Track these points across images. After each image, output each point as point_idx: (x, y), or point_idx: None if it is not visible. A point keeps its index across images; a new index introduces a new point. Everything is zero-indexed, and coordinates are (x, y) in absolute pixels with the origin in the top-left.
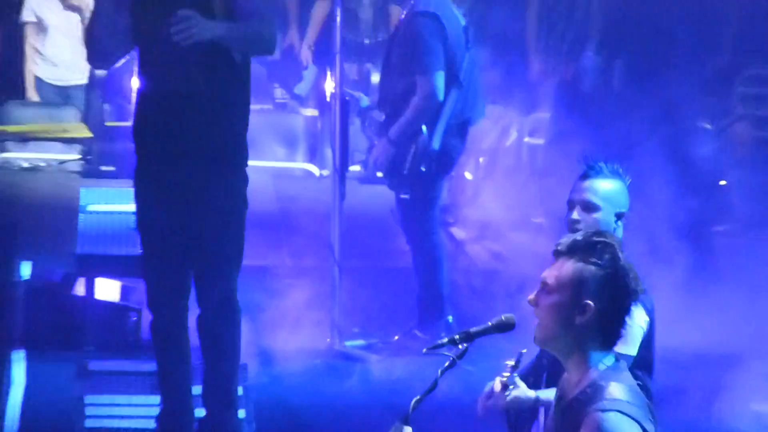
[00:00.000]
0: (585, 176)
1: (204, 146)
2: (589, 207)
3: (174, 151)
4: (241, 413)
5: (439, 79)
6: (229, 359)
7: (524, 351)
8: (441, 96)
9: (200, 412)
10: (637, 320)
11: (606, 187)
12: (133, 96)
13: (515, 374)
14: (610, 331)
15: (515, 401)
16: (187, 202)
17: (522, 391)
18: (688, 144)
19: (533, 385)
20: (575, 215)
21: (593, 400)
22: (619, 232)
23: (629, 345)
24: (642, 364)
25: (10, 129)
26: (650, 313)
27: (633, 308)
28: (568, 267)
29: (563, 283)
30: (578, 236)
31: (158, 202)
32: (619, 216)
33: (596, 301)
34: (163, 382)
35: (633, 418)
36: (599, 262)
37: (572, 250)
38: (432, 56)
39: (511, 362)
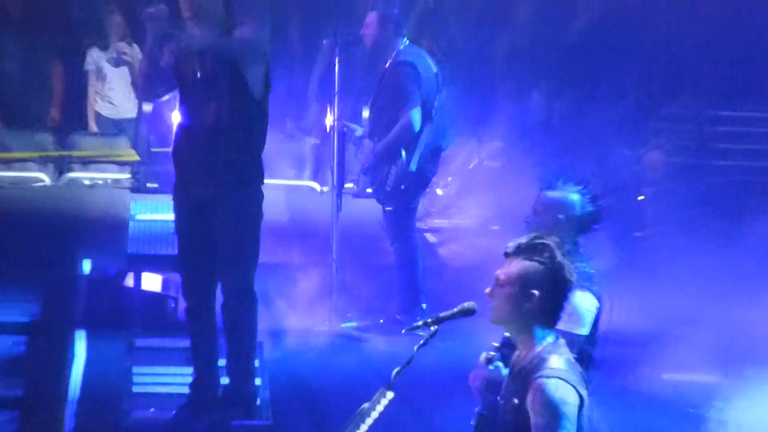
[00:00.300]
0: (546, 187)
1: (229, 168)
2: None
3: (205, 171)
4: (258, 381)
5: (416, 115)
6: (248, 338)
7: (507, 334)
8: (417, 127)
9: (224, 381)
10: (589, 305)
11: (557, 196)
12: (174, 127)
13: (498, 353)
14: (552, 314)
15: (494, 373)
16: (214, 212)
17: (500, 366)
18: (614, 166)
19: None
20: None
21: (537, 369)
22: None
23: (583, 326)
24: (590, 341)
25: (76, 154)
26: (599, 299)
27: (585, 295)
28: (516, 264)
29: (512, 278)
30: (522, 239)
31: (191, 212)
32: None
33: (540, 291)
34: (195, 355)
35: (569, 383)
36: (540, 259)
37: (518, 251)
38: (410, 96)
39: (496, 343)
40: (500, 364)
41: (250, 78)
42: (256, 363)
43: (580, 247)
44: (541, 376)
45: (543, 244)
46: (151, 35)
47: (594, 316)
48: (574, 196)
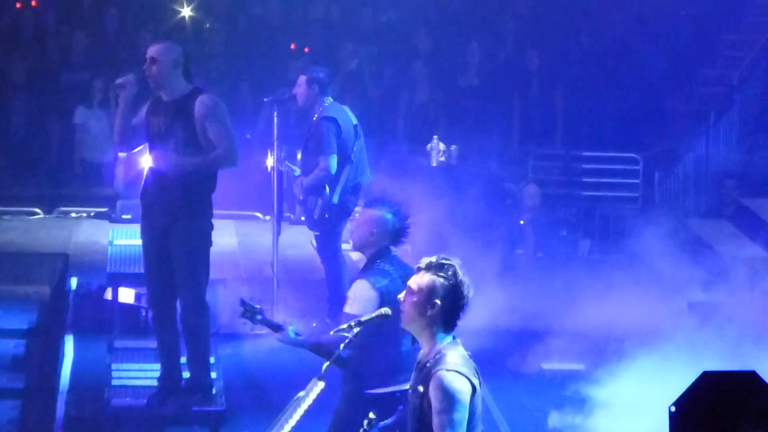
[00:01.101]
0: (367, 205)
1: (183, 204)
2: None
3: (165, 206)
4: (213, 375)
5: (332, 161)
6: (202, 339)
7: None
8: (333, 170)
9: (186, 374)
10: (368, 294)
11: (375, 214)
12: (142, 170)
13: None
14: (450, 320)
15: None
16: (172, 239)
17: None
18: (500, 197)
19: None
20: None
21: (438, 364)
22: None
23: (363, 311)
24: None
25: (64, 192)
26: (379, 291)
27: (366, 285)
28: (425, 277)
29: (421, 288)
30: (433, 258)
31: (154, 239)
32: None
33: (442, 301)
34: (161, 354)
35: (463, 375)
36: (445, 275)
37: (428, 267)
38: (327, 146)
39: (373, 415)
40: None
41: (202, 133)
42: (212, 360)
43: (392, 253)
44: (440, 369)
45: (449, 264)
46: (121, 100)
47: (373, 304)
48: (387, 215)
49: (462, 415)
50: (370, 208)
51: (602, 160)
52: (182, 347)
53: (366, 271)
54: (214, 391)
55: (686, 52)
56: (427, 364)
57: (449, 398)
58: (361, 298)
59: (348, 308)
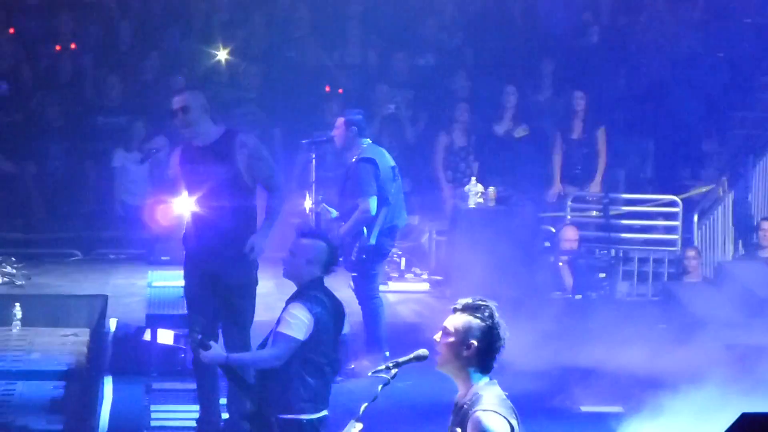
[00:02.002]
0: (301, 235)
1: (232, 253)
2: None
3: (212, 252)
4: None
5: (372, 202)
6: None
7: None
8: (373, 212)
9: (225, 416)
10: (304, 317)
11: (309, 243)
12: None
13: None
14: (487, 361)
15: None
16: (218, 281)
17: None
18: (538, 239)
19: None
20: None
21: (474, 405)
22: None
23: (299, 333)
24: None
25: (103, 235)
26: (314, 315)
27: (302, 308)
28: (461, 318)
29: (457, 329)
30: (468, 299)
31: (199, 281)
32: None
33: (478, 342)
34: (200, 395)
35: (501, 415)
36: (481, 316)
37: (464, 308)
38: (367, 187)
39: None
40: None
41: (248, 173)
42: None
43: (323, 282)
44: (477, 410)
45: (485, 305)
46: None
47: (308, 327)
48: (321, 244)
49: None
50: (304, 238)
51: (641, 203)
52: (222, 389)
53: (300, 297)
54: None
55: (724, 94)
56: (464, 406)
57: None
58: (297, 321)
59: (283, 329)
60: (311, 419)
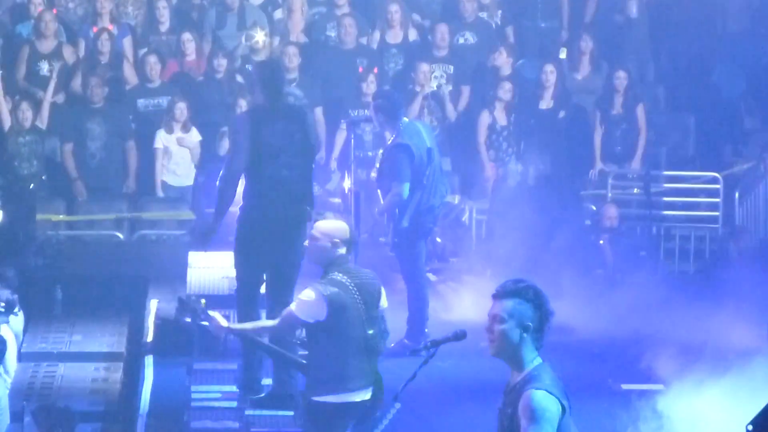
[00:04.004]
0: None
1: (292, 226)
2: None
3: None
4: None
5: (405, 187)
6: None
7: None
8: (405, 196)
9: (267, 381)
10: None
11: (509, 305)
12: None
13: None
14: (540, 340)
15: None
16: (279, 259)
17: None
18: (580, 216)
19: None
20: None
21: (527, 384)
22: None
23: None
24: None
25: (144, 215)
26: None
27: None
28: (511, 303)
29: (511, 315)
30: (510, 283)
31: (255, 256)
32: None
33: (532, 323)
34: (245, 359)
35: (553, 395)
36: (529, 297)
37: (511, 293)
38: (400, 173)
39: None
40: None
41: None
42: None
43: (347, 261)
44: (530, 388)
45: (527, 285)
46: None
47: (318, 309)
48: (342, 224)
49: None
50: (324, 221)
51: (682, 180)
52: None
53: (320, 279)
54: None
55: (766, 71)
56: (517, 386)
57: (537, 416)
58: (307, 302)
59: (294, 308)
60: (335, 402)
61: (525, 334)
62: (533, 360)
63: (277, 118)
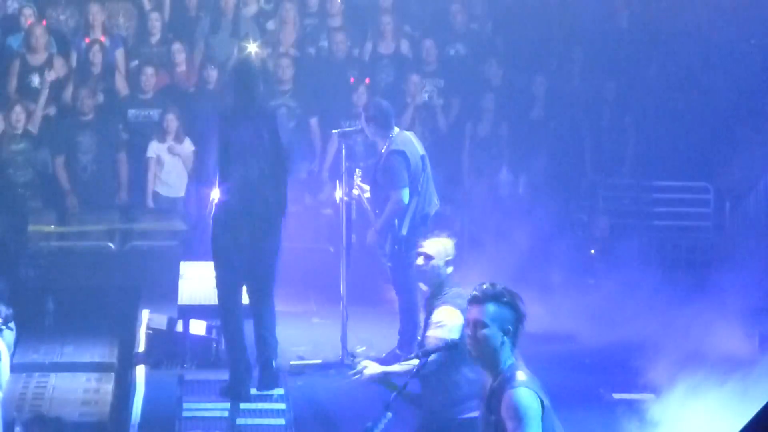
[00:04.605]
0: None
1: (265, 229)
2: (479, 325)
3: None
4: (283, 406)
5: (404, 193)
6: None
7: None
8: (406, 201)
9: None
10: (457, 319)
11: (491, 310)
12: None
13: None
14: (516, 343)
15: None
16: (263, 251)
17: None
18: (570, 228)
19: None
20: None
21: (506, 385)
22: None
23: (455, 335)
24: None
25: (136, 226)
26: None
27: (454, 311)
28: (490, 308)
29: (493, 319)
30: (487, 287)
31: (229, 248)
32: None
33: (512, 327)
34: (233, 367)
35: (533, 391)
36: (507, 301)
37: (488, 297)
38: (399, 179)
39: None
40: None
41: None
42: (281, 390)
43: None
44: (510, 388)
45: (506, 289)
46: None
47: (460, 329)
48: (448, 241)
49: (536, 430)
50: (434, 239)
51: (673, 190)
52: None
53: (442, 297)
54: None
55: (756, 80)
56: (495, 391)
57: (521, 414)
58: (451, 324)
59: (440, 333)
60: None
61: (505, 338)
62: (507, 361)
63: (247, 119)
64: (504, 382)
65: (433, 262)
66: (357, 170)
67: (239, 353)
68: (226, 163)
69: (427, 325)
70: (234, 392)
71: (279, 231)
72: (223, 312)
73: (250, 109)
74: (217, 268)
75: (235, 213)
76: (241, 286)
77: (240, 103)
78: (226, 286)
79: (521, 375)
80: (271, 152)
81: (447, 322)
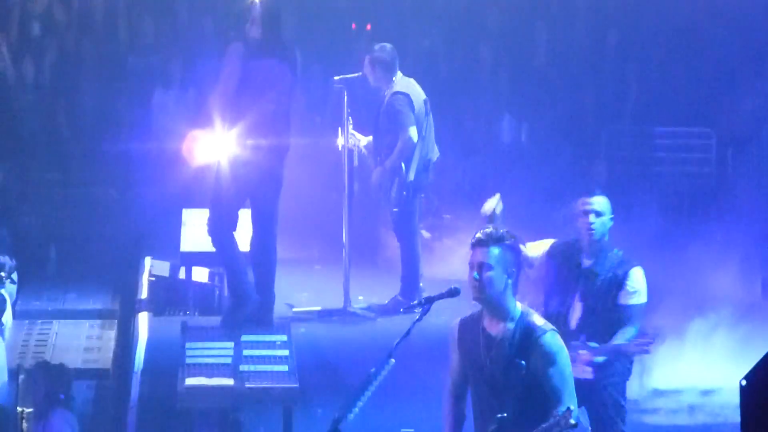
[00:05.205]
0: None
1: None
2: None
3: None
4: (286, 352)
5: (413, 131)
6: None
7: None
8: (415, 140)
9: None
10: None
11: (496, 252)
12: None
13: None
14: (517, 285)
15: None
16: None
17: None
18: (571, 175)
19: None
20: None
21: (532, 331)
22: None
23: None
24: None
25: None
26: None
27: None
28: (495, 250)
29: (498, 261)
30: (491, 230)
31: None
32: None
33: (516, 268)
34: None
35: (557, 332)
36: (509, 244)
37: (492, 239)
38: (406, 118)
39: None
40: None
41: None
42: (284, 337)
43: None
44: (541, 333)
45: (506, 231)
46: None
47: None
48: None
49: (570, 369)
50: (601, 196)
51: (675, 136)
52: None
53: (618, 257)
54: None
55: (759, 27)
56: (515, 335)
57: (559, 357)
58: (645, 287)
59: (644, 299)
60: None
61: (509, 280)
62: (516, 305)
63: (272, 53)
64: (528, 328)
65: (603, 218)
66: (348, 118)
67: (239, 279)
68: (244, 93)
69: (621, 287)
70: (229, 320)
71: (282, 169)
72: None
73: (275, 46)
74: (216, 188)
75: (248, 147)
76: (238, 209)
77: (267, 37)
78: (221, 204)
79: (539, 319)
80: (288, 91)
81: (643, 286)
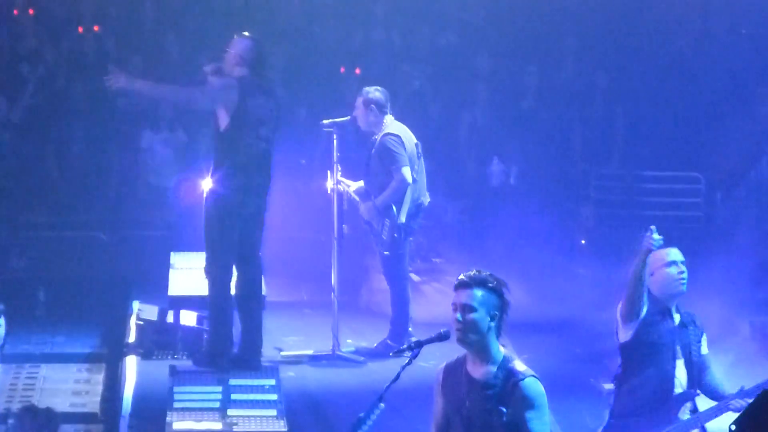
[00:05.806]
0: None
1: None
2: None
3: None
4: (275, 397)
5: (407, 171)
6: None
7: None
8: (409, 180)
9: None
10: None
11: (479, 294)
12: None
13: None
14: (501, 329)
15: None
16: (256, 223)
17: None
18: (559, 219)
19: None
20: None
21: (512, 375)
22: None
23: None
24: None
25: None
26: None
27: None
28: (478, 292)
29: (480, 304)
30: (475, 273)
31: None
32: (492, 317)
33: (499, 312)
34: (212, 328)
35: (537, 378)
36: (493, 287)
37: (476, 282)
38: (399, 158)
39: None
40: None
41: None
42: (273, 381)
43: None
44: (520, 379)
45: (491, 275)
46: None
47: None
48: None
49: (549, 416)
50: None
51: (664, 180)
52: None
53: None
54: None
55: (747, 71)
56: (497, 380)
57: (539, 403)
58: None
59: None
60: None
61: (492, 323)
62: (499, 349)
63: (262, 92)
64: (509, 372)
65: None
66: (336, 165)
67: (222, 326)
68: (239, 131)
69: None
70: (213, 357)
71: (265, 206)
72: (217, 271)
73: (264, 83)
74: (215, 229)
75: (244, 183)
76: (234, 251)
77: (256, 75)
78: (221, 247)
79: (521, 365)
80: (275, 129)
81: None
